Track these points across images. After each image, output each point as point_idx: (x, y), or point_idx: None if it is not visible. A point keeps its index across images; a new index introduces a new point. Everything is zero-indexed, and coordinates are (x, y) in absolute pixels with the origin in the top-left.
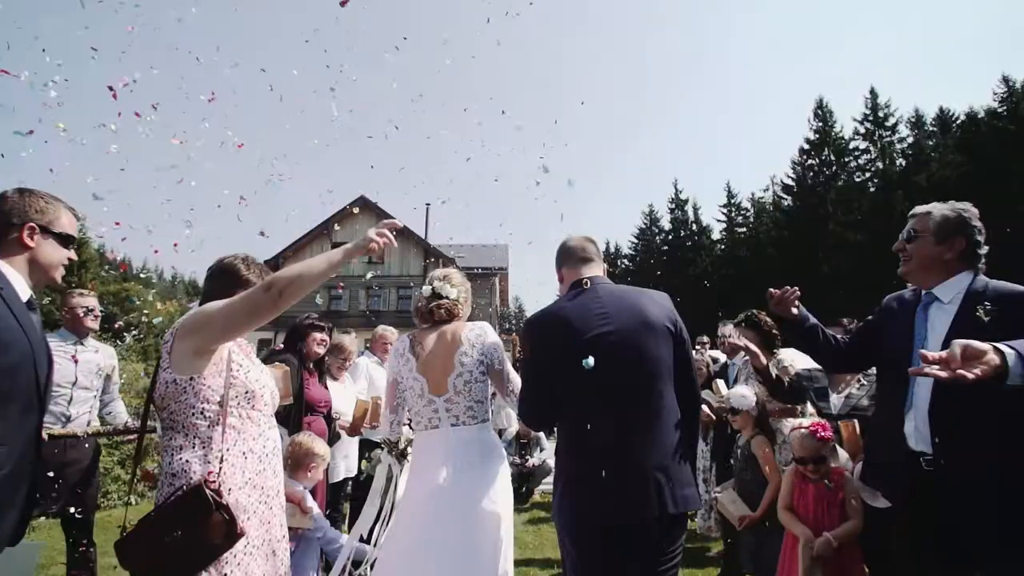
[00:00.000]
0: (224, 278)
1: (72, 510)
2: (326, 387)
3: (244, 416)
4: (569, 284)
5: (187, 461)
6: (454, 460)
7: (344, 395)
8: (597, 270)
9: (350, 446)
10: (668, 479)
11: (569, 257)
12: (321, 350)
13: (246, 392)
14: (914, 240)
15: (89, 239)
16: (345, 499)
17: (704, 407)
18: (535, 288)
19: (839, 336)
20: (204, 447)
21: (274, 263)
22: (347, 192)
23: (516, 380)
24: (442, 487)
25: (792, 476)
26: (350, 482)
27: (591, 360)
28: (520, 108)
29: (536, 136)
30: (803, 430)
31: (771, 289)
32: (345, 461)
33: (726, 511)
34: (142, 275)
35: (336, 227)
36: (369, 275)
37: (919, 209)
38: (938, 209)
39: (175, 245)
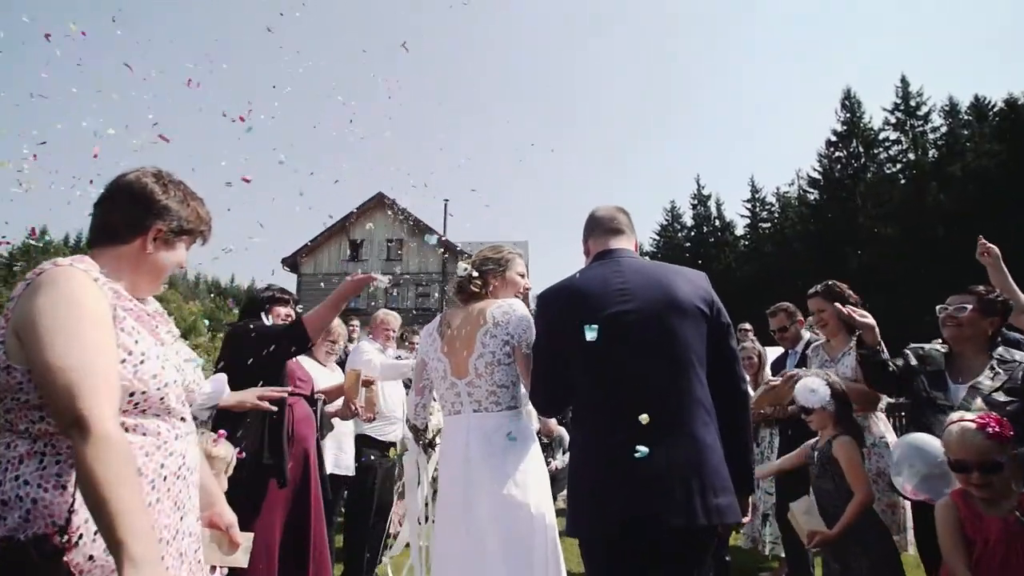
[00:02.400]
0: (129, 203)
1: None
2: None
3: (130, 427)
4: (592, 258)
5: (26, 482)
6: (474, 448)
7: (331, 383)
8: (627, 244)
9: (344, 439)
10: (699, 484)
11: (596, 227)
12: None
13: (131, 394)
14: None
15: None
16: (341, 500)
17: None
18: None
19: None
20: (59, 462)
21: (292, 260)
22: (364, 188)
23: None
24: (463, 476)
25: (957, 501)
26: (345, 486)
27: (593, 332)
28: (538, 104)
29: (556, 133)
30: (965, 422)
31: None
32: (339, 455)
33: (796, 523)
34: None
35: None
36: (386, 279)
37: None
38: None
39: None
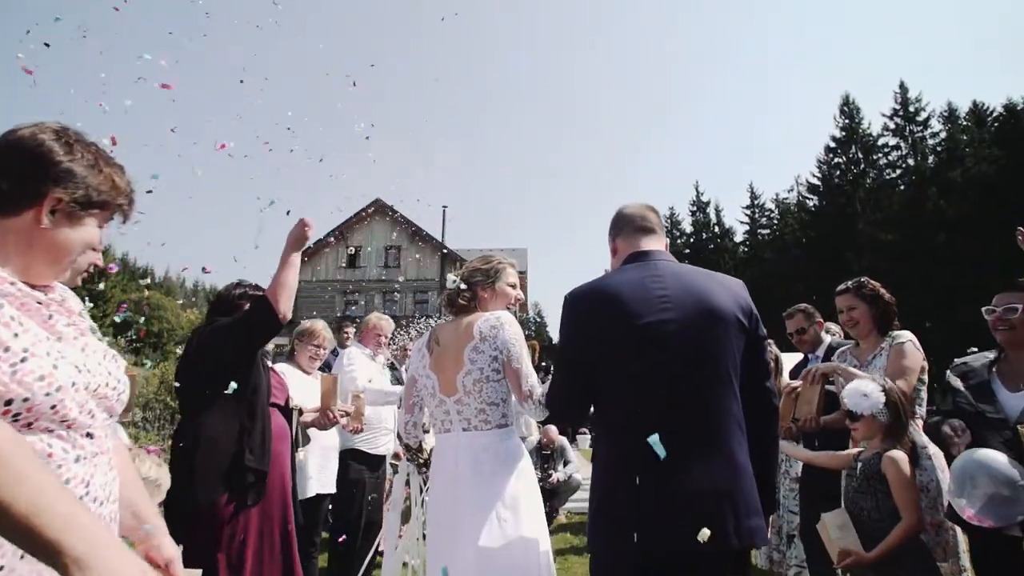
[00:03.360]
0: (19, 165)
1: None
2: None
3: None
4: (624, 258)
5: None
6: (463, 468)
7: (316, 392)
8: (659, 244)
9: (330, 453)
10: (732, 506)
11: (626, 225)
12: None
13: (7, 402)
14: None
15: (110, 247)
16: (323, 524)
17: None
18: (557, 294)
19: None
20: None
21: None
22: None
23: (534, 382)
24: (452, 496)
25: None
26: (329, 504)
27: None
28: (538, 110)
29: (555, 138)
30: None
31: None
32: (321, 475)
33: (826, 537)
34: (149, 281)
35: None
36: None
37: None
38: None
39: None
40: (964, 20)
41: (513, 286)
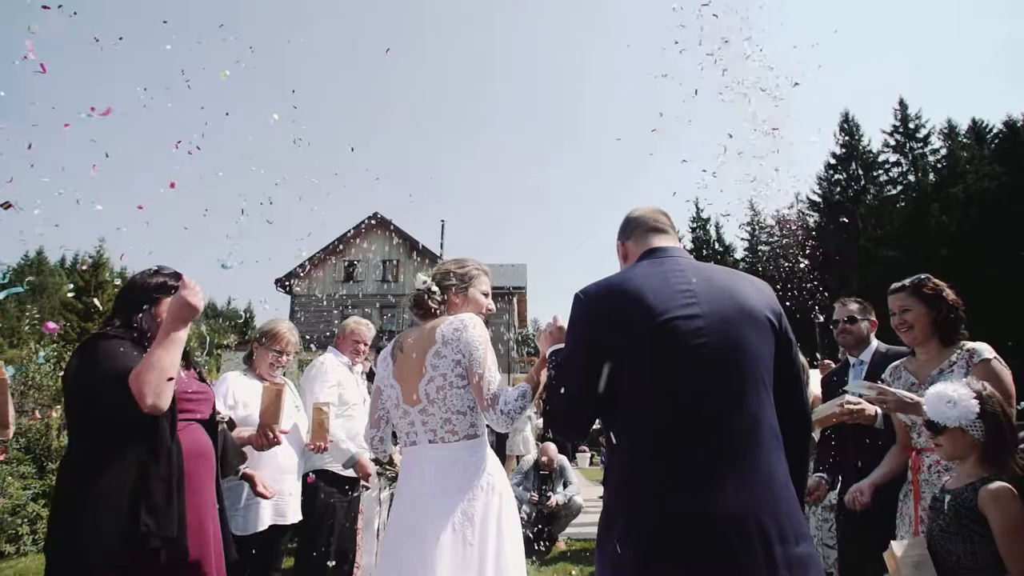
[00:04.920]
0: None
1: None
2: (202, 377)
3: None
4: (637, 257)
5: None
6: (429, 483)
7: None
8: (674, 243)
9: (285, 479)
10: (778, 531)
11: (637, 227)
12: None
13: None
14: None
15: (107, 260)
16: (283, 553)
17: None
18: (555, 310)
19: None
20: None
21: (286, 282)
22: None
23: (497, 389)
24: (414, 513)
25: None
26: (290, 536)
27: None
28: (536, 127)
29: (556, 151)
30: None
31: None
32: (279, 502)
33: (896, 571)
34: None
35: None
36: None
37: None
38: None
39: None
40: (963, 37)
41: (486, 295)
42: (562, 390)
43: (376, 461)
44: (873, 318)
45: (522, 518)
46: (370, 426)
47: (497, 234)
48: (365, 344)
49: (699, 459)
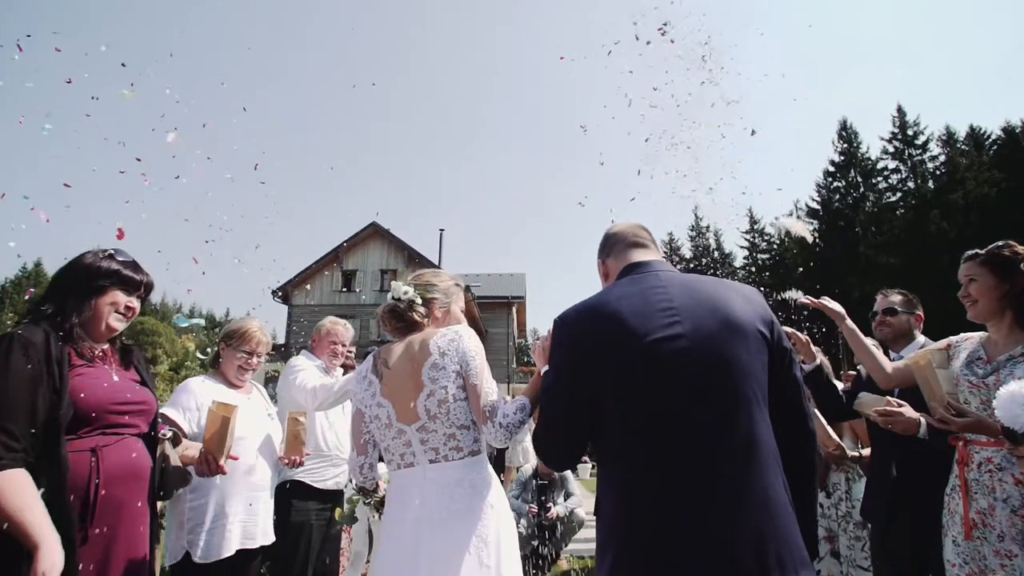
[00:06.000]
0: None
1: None
2: (144, 382)
3: None
4: (617, 274)
5: None
6: (432, 507)
7: (251, 415)
8: (656, 256)
9: (256, 496)
10: (777, 558)
11: (616, 243)
12: (119, 324)
13: None
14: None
15: None
16: None
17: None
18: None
19: None
20: None
21: (282, 292)
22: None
23: (494, 400)
24: (419, 543)
25: None
26: (262, 561)
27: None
28: (539, 135)
29: (556, 159)
30: None
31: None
32: (248, 523)
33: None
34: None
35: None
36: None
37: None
38: None
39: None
40: (960, 45)
41: (462, 311)
42: (546, 419)
43: (361, 490)
44: (919, 312)
45: (520, 533)
46: (356, 453)
47: (496, 243)
48: (343, 345)
49: (689, 485)
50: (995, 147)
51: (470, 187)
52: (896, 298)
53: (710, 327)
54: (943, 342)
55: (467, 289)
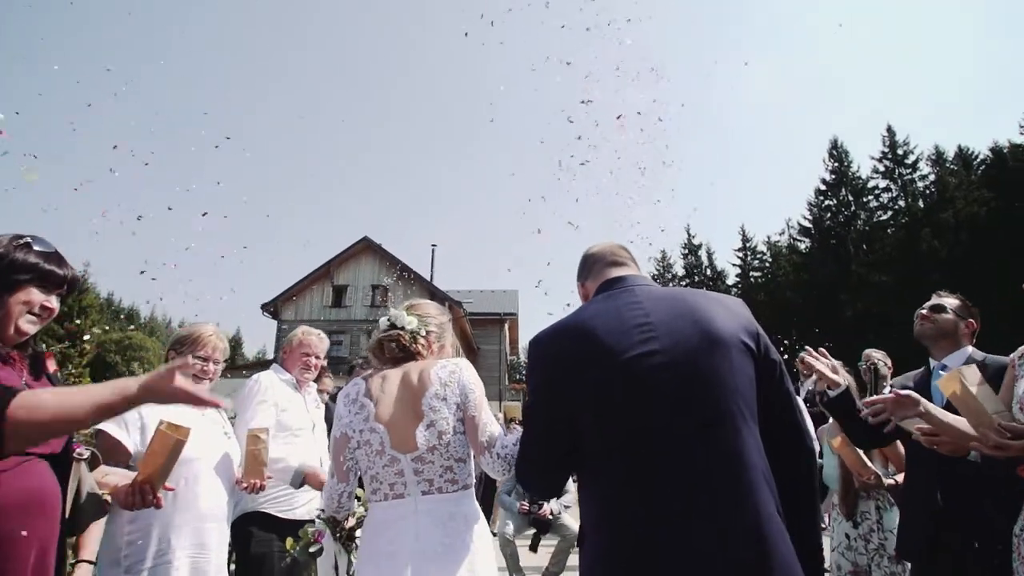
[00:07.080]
0: None
1: None
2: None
3: None
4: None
5: None
6: (427, 541)
7: (203, 432)
8: (632, 273)
9: (206, 527)
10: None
11: (595, 263)
12: (30, 327)
13: None
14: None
15: (93, 285)
16: None
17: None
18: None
19: None
20: None
21: (272, 307)
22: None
23: (494, 432)
24: None
25: None
26: None
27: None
28: (527, 151)
29: (549, 176)
30: None
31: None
32: (206, 557)
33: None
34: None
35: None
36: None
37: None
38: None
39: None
40: (949, 64)
41: (452, 345)
42: (525, 440)
43: (331, 520)
44: (971, 320)
45: (505, 534)
46: (336, 479)
47: (488, 259)
48: (317, 357)
49: (669, 499)
50: (983, 167)
51: (463, 202)
52: (951, 300)
53: (689, 341)
54: (1007, 357)
55: (459, 305)
